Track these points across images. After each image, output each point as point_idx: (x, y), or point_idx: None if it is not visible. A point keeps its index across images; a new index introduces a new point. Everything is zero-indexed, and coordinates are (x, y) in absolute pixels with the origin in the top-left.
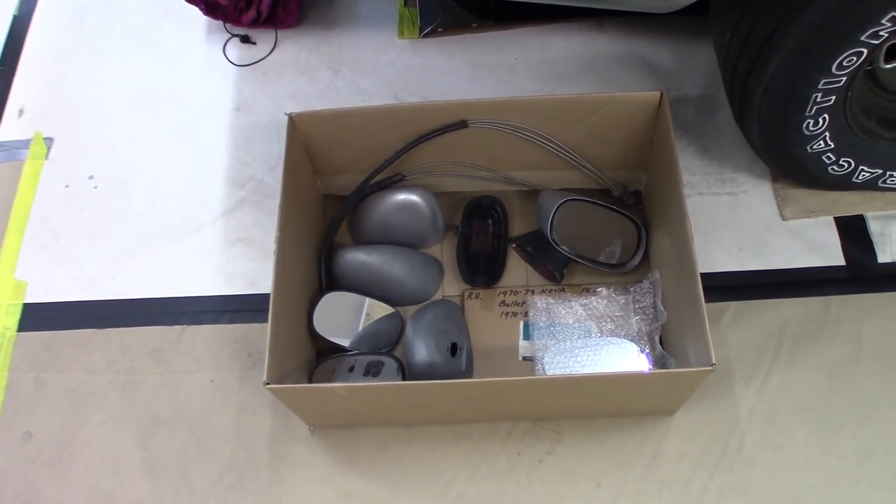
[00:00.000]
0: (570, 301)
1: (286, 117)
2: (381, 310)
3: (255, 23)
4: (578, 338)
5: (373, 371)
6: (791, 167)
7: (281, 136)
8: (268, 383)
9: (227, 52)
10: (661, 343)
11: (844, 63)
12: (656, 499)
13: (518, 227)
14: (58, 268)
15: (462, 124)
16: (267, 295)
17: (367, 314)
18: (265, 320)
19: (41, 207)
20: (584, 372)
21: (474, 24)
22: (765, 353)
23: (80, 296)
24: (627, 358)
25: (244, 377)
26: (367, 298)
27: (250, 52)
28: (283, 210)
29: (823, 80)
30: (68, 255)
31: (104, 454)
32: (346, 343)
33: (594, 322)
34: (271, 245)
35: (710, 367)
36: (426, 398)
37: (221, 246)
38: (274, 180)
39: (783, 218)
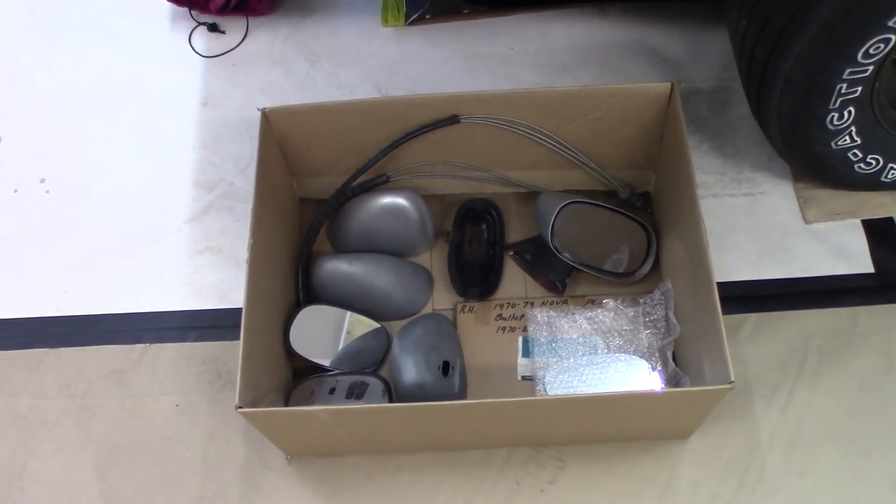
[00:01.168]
0: (573, 314)
1: (259, 113)
2: (365, 325)
3: (225, 10)
4: (583, 354)
5: (356, 393)
6: (814, 165)
7: (253, 134)
8: (240, 407)
9: (193, 43)
10: (673, 360)
11: (871, 51)
12: None
13: (515, 233)
14: (5, 281)
15: (453, 120)
16: (238, 309)
17: (349, 330)
18: (236, 337)
19: None
20: (590, 392)
21: (465, 10)
22: (787, 370)
23: (30, 312)
24: (637, 376)
25: (214, 401)
26: (349, 313)
27: (219, 42)
28: (255, 215)
29: (848, 70)
30: (17, 267)
31: (57, 487)
32: (326, 362)
33: (600, 337)
34: (243, 254)
35: (728, 386)
36: (415, 422)
37: (188, 255)
38: (245, 183)
39: (806, 221)
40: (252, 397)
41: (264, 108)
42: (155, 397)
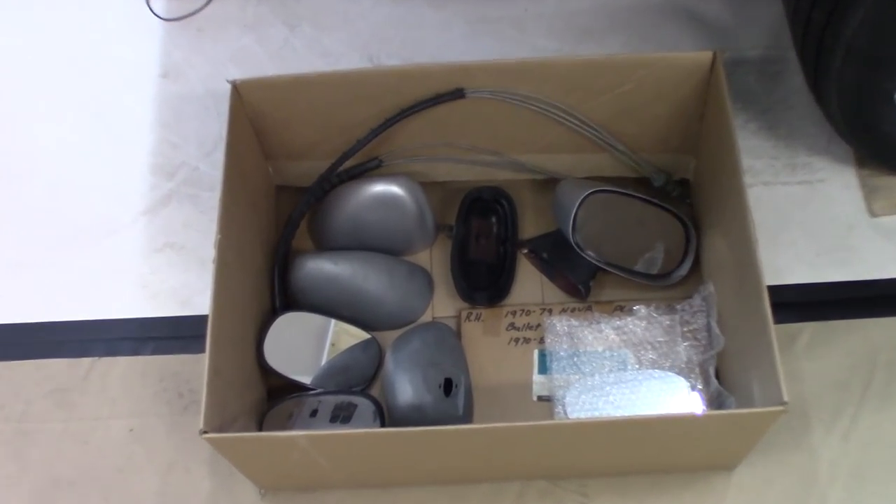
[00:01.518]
0: (598, 323)
1: (228, 86)
2: (353, 336)
3: None
4: (610, 371)
5: (342, 416)
6: (880, 148)
7: (221, 111)
8: (205, 432)
9: (151, 3)
10: (716, 377)
11: None
12: None
13: (530, 228)
14: None
15: (457, 94)
16: (203, 317)
17: (335, 342)
18: (201, 350)
19: None
20: (618, 415)
21: None
22: (850, 389)
23: None
24: (674, 396)
25: (174, 425)
26: (334, 321)
27: (181, 3)
28: (224, 206)
29: None
30: None
31: None
32: (306, 380)
33: (630, 350)
34: (209, 252)
35: (781, 408)
36: (412, 450)
37: (144, 253)
38: (212, 168)
39: (872, 214)
40: (219, 420)
41: (235, 80)
42: (104, 421)
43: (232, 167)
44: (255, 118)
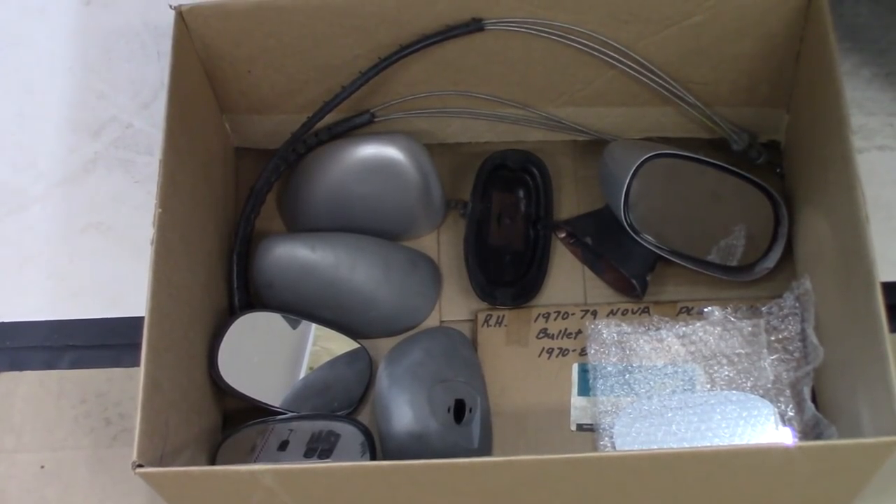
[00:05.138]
0: (658, 329)
1: (172, 14)
2: (336, 345)
3: None
4: (673, 392)
5: (321, 448)
6: None
7: (163, 49)
8: (140, 465)
9: None
10: (813, 400)
11: None
12: None
13: (569, 205)
14: None
15: (474, 26)
16: (139, 319)
17: (312, 352)
18: (136, 363)
19: None
20: (683, 448)
21: None
22: None
23: None
24: (756, 425)
25: (99, 460)
26: (313, 325)
27: None
28: (166, 174)
29: None
30: None
31: None
32: (274, 401)
33: (700, 365)
34: (146, 234)
35: None
36: (412, 490)
37: (61, 236)
38: (150, 125)
39: None
40: (159, 451)
41: (179, 7)
42: (8, 454)
43: (176, 123)
44: (208, 58)
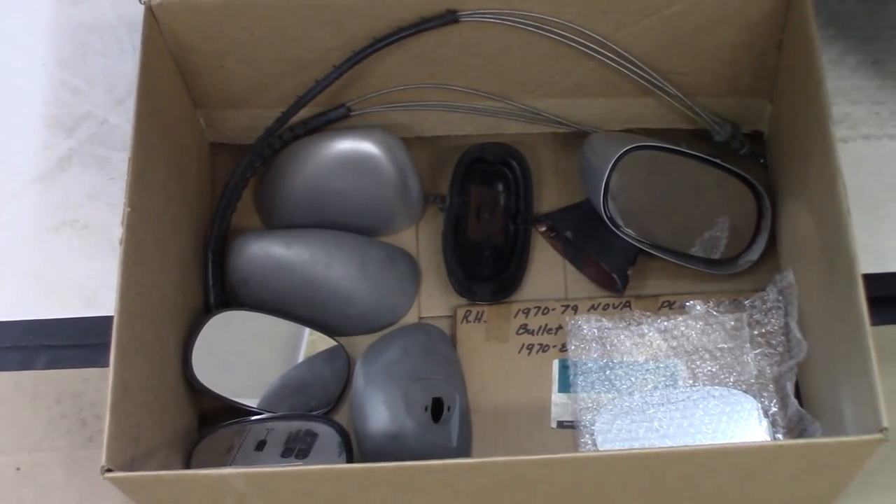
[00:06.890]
0: (639, 324)
1: (142, 8)
2: (313, 343)
3: None
4: (655, 388)
5: (298, 449)
6: None
7: (138, 43)
8: (109, 469)
9: None
10: (796, 395)
11: None
12: None
13: (549, 198)
14: None
15: (449, 18)
16: (111, 318)
17: (288, 351)
18: (108, 363)
19: None
20: (665, 447)
21: None
22: None
23: None
24: (739, 421)
25: (75, 462)
26: (289, 323)
27: None
28: (135, 172)
29: None
30: None
31: None
32: (251, 401)
33: (682, 360)
34: (119, 231)
35: (879, 436)
36: (389, 492)
37: (34, 234)
38: (126, 121)
39: None
40: (129, 455)
41: (149, 1)
42: None
43: (146, 120)
44: (180, 54)
